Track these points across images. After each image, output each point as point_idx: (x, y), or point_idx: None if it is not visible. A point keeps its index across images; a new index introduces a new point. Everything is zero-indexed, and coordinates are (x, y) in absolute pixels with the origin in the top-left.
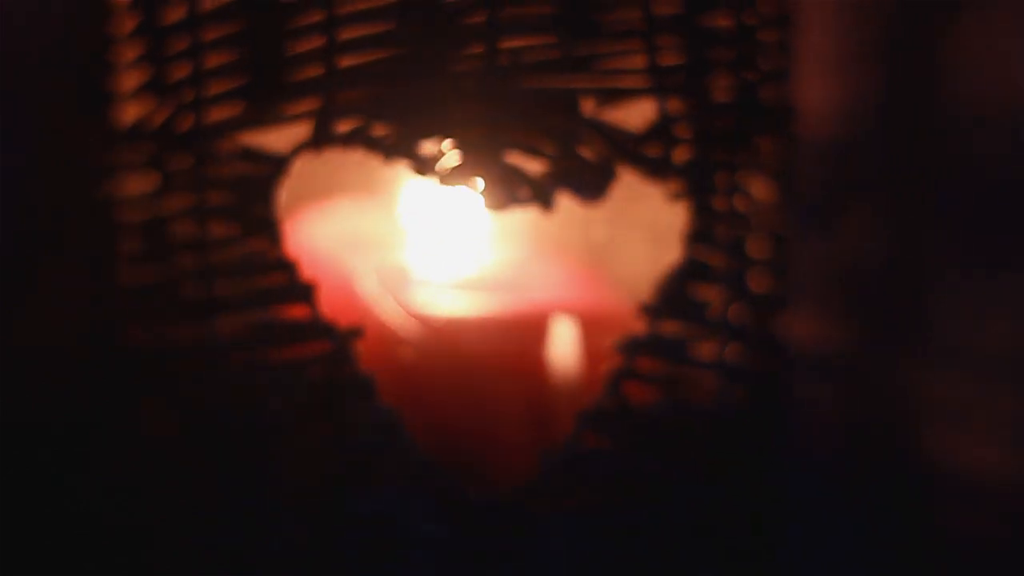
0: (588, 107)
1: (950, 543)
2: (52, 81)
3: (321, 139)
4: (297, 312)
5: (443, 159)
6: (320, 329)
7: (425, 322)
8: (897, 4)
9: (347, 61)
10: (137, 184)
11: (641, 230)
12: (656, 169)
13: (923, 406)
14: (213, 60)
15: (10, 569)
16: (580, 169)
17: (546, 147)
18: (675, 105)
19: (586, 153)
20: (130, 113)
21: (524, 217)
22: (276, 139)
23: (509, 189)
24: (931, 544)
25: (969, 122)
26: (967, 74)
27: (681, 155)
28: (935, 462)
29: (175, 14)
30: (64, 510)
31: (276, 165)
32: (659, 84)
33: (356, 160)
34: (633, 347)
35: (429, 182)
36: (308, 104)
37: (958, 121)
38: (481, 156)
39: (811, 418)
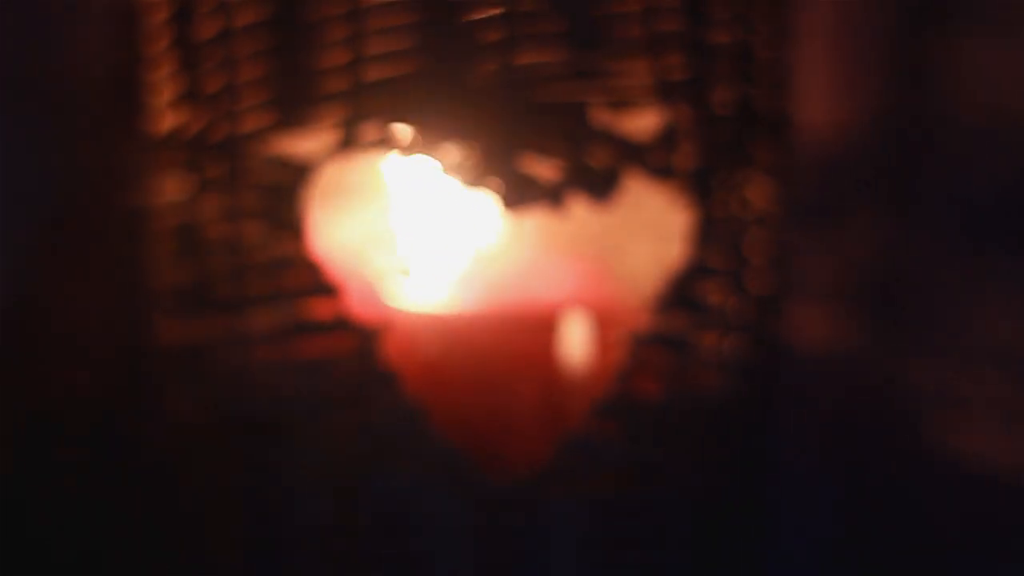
0: (597, 116)
1: (948, 533)
2: (94, 93)
3: (349, 145)
4: (323, 310)
5: (461, 163)
6: (345, 325)
7: (443, 319)
8: (894, 19)
9: (372, 74)
10: (174, 189)
11: (647, 231)
12: (661, 174)
13: (923, 399)
14: (246, 73)
15: (39, 561)
16: (590, 174)
17: (558, 153)
18: (679, 115)
19: (595, 159)
20: (167, 122)
21: (535, 218)
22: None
23: (523, 192)
24: (928, 534)
25: (965, 129)
26: (962, 84)
27: (684, 161)
28: (934, 453)
29: (209, 29)
30: (97, 502)
31: (305, 170)
32: (664, 95)
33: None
34: (640, 342)
35: (448, 184)
36: (336, 113)
37: (955, 128)
38: (497, 161)
39: (814, 412)
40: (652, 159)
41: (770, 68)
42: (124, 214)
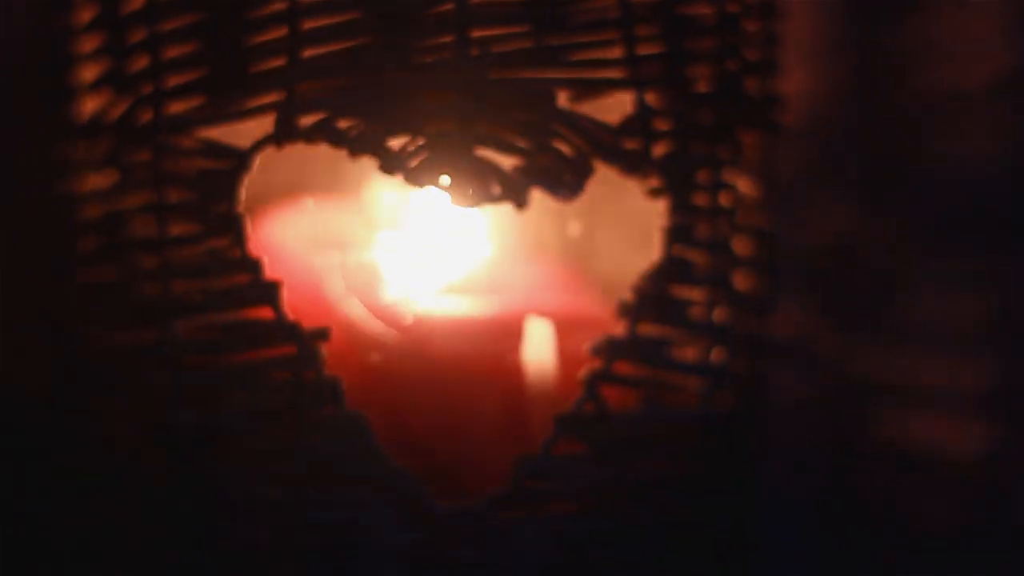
0: (563, 99)
1: (920, 524)
2: (9, 73)
3: (284, 133)
4: (261, 313)
5: (411, 154)
6: (284, 330)
7: (394, 324)
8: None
9: (311, 52)
10: (95, 180)
11: (619, 227)
12: (634, 164)
13: (893, 389)
14: (172, 51)
15: None
16: (555, 164)
17: (519, 141)
18: (654, 97)
19: (561, 148)
20: (89, 106)
21: (496, 215)
22: (237, 133)
23: (480, 186)
24: (901, 526)
25: (940, 110)
26: (940, 62)
27: (661, 149)
28: (905, 444)
29: (135, 3)
30: (22, 514)
31: (238, 160)
32: (637, 75)
33: (324, 156)
34: (611, 349)
35: (396, 178)
36: (271, 97)
37: (929, 109)
38: (451, 151)
39: (784, 406)
40: (625, 147)
41: (757, 43)
42: (46, 205)
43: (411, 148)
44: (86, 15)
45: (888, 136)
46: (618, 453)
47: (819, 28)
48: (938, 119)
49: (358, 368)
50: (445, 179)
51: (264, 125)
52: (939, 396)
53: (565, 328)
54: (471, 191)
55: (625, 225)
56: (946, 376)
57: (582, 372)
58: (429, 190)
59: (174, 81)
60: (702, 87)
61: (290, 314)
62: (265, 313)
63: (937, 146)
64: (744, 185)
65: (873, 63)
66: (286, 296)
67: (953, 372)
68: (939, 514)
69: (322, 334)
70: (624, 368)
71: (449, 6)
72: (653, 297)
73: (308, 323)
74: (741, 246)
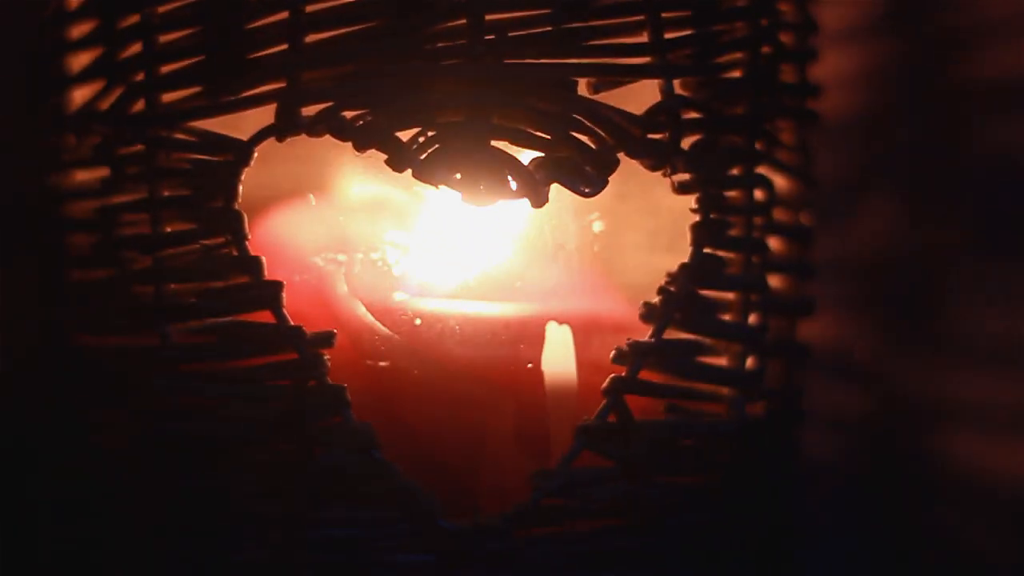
0: (584, 88)
1: (963, 545)
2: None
3: (286, 124)
4: (261, 317)
5: (421, 146)
6: (285, 335)
7: (402, 328)
8: None
9: (314, 37)
10: (86, 174)
11: (645, 225)
12: (662, 157)
13: (942, 406)
14: (166, 37)
15: None
16: (576, 158)
17: (537, 133)
18: (682, 85)
19: (583, 140)
20: (79, 97)
21: (513, 211)
22: (236, 124)
23: (495, 181)
24: (942, 547)
25: (995, 98)
26: (994, 42)
27: (689, 141)
28: (948, 462)
29: None
30: (12, 523)
31: (236, 153)
32: (664, 61)
33: (329, 149)
34: (636, 356)
35: (405, 173)
36: (271, 85)
37: (982, 97)
38: (464, 143)
39: (821, 418)
40: (651, 138)
41: (793, 26)
42: (36, 201)
43: (421, 140)
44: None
45: (936, 127)
46: (643, 467)
47: (858, 6)
48: (992, 108)
49: (364, 375)
50: (456, 174)
51: (264, 116)
52: (986, 413)
53: (587, 333)
54: (485, 186)
55: (652, 223)
56: (994, 392)
57: (605, 380)
58: (440, 185)
59: (168, 69)
60: (734, 74)
61: (292, 318)
62: (265, 317)
63: (991, 138)
64: (780, 180)
65: (918, 46)
66: (287, 298)
67: (1002, 388)
68: (981, 537)
69: (326, 339)
70: (650, 376)
71: None
72: (681, 300)
73: (311, 327)
74: (776, 246)
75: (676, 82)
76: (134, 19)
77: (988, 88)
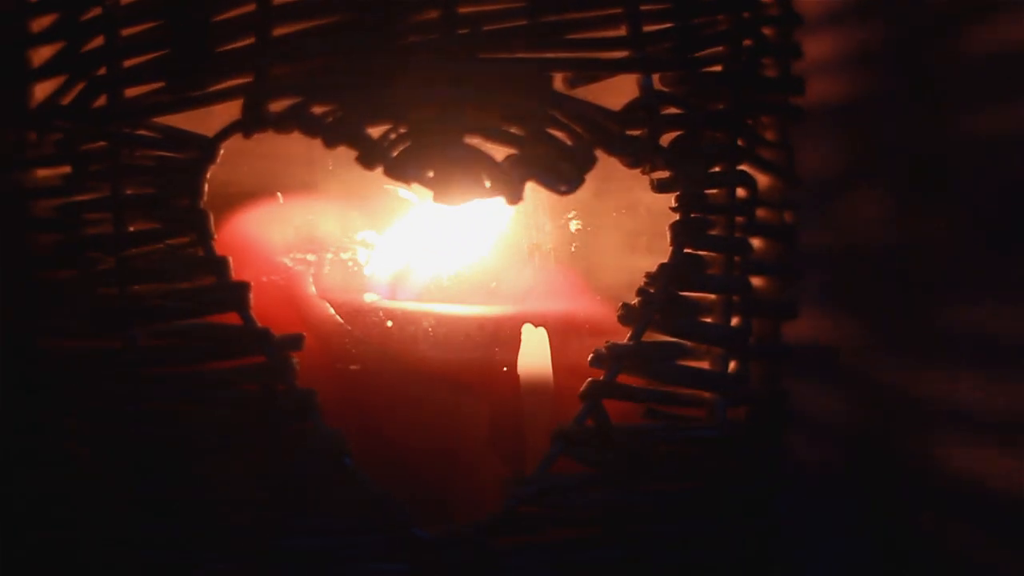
0: (560, 83)
1: (950, 546)
2: None
3: (253, 120)
4: (227, 319)
5: (392, 143)
6: (253, 337)
7: (373, 329)
8: None
9: (282, 30)
10: (48, 171)
11: (623, 224)
12: (640, 154)
13: (924, 406)
14: (130, 29)
15: None
16: (552, 155)
17: (512, 129)
18: (662, 79)
19: (559, 136)
20: (41, 91)
21: (487, 210)
22: (201, 120)
23: (469, 178)
24: (928, 547)
25: (989, 79)
26: (991, 15)
27: (669, 137)
28: (935, 466)
29: None
30: None
31: (201, 150)
32: (643, 55)
33: (297, 145)
34: (614, 359)
35: (376, 170)
36: (238, 80)
37: (976, 78)
38: (437, 140)
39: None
40: (629, 134)
41: (775, 19)
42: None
43: (393, 137)
44: None
45: (925, 114)
46: (622, 473)
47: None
48: (986, 90)
49: (335, 379)
50: (427, 171)
51: (231, 111)
52: (975, 416)
53: (563, 335)
54: (459, 184)
55: (630, 222)
56: (984, 394)
57: (582, 384)
58: (413, 183)
59: (132, 63)
60: (715, 69)
61: (260, 319)
62: (232, 319)
63: (985, 125)
64: (762, 178)
65: (907, 21)
66: (255, 300)
67: (992, 390)
68: (968, 540)
69: (295, 342)
70: (629, 380)
71: None
72: (661, 301)
73: (279, 329)
74: (759, 245)
75: (655, 77)
76: (96, 12)
77: (985, 64)
